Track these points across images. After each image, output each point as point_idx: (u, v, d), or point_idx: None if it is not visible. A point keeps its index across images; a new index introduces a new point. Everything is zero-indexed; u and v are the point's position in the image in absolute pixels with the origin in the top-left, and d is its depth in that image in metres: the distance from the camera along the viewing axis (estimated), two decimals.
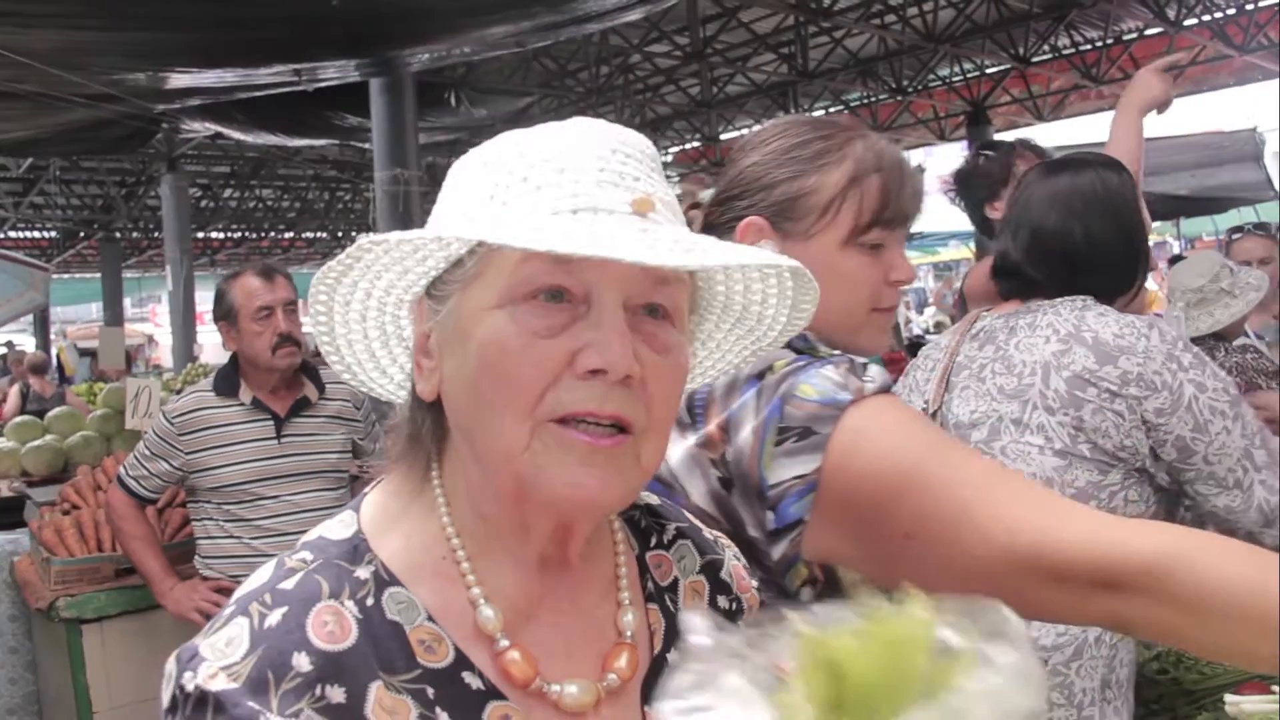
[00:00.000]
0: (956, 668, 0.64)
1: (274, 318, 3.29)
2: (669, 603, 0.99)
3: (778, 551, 1.23)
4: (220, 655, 0.76)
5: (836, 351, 1.31)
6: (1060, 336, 1.98)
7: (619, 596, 0.94)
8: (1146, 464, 1.95)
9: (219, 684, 0.74)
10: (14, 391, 10.43)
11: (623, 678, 0.89)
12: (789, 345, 1.31)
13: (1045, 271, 2.10)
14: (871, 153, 1.44)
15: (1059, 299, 2.06)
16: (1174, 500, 2.04)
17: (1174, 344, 1.92)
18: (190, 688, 0.75)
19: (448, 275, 0.87)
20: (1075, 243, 2.07)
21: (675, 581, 1.01)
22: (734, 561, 1.07)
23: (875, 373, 1.25)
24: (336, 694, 0.76)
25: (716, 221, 1.49)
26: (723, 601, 1.03)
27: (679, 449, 1.28)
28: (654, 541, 1.02)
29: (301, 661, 0.76)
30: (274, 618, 0.78)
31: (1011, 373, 2.02)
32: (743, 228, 1.44)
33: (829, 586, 1.29)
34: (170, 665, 0.78)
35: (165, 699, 0.78)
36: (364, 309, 0.92)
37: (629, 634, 0.92)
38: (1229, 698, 2.06)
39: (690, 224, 1.46)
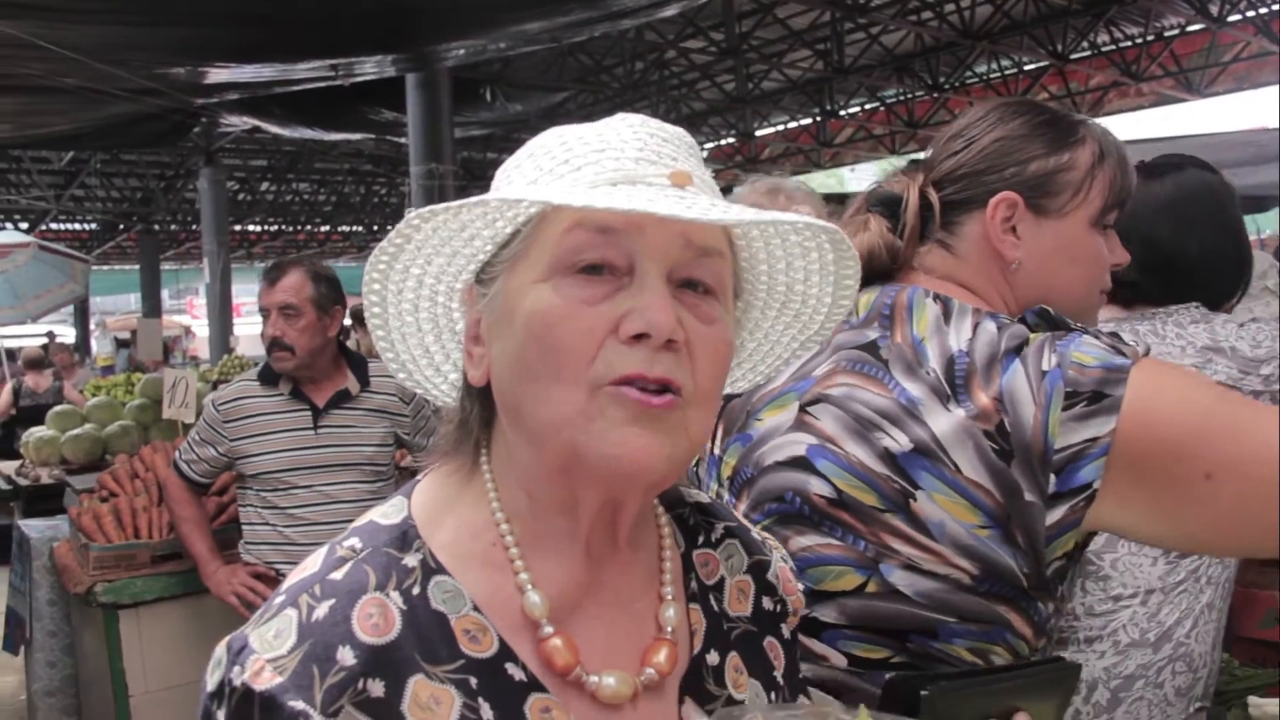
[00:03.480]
0: None
1: (269, 320, 3.33)
2: (713, 602, 0.98)
3: (1054, 516, 1.22)
4: (268, 647, 0.77)
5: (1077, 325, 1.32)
6: (1197, 349, 1.94)
7: (662, 591, 0.94)
8: None
9: (265, 681, 0.75)
10: (7, 389, 10.35)
11: (661, 673, 0.88)
12: (1022, 320, 1.32)
13: (1159, 281, 2.03)
14: (1106, 136, 1.45)
15: (1172, 305, 2.02)
16: None
17: None
18: (238, 683, 0.76)
19: (495, 259, 0.88)
20: (1190, 255, 2.01)
21: (721, 580, 1.00)
22: (781, 563, 1.07)
23: (1134, 340, 1.26)
24: (376, 688, 0.77)
25: (954, 198, 1.45)
26: (768, 603, 1.03)
27: (946, 421, 1.25)
28: (701, 540, 1.02)
29: (346, 655, 0.77)
30: (321, 610, 0.79)
31: None
32: (995, 203, 1.41)
33: (1070, 565, 1.30)
34: (220, 651, 0.79)
35: (211, 683, 0.78)
36: (416, 298, 0.93)
37: (669, 630, 0.91)
38: (1253, 700, 2.05)
39: (902, 209, 1.45)
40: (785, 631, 1.04)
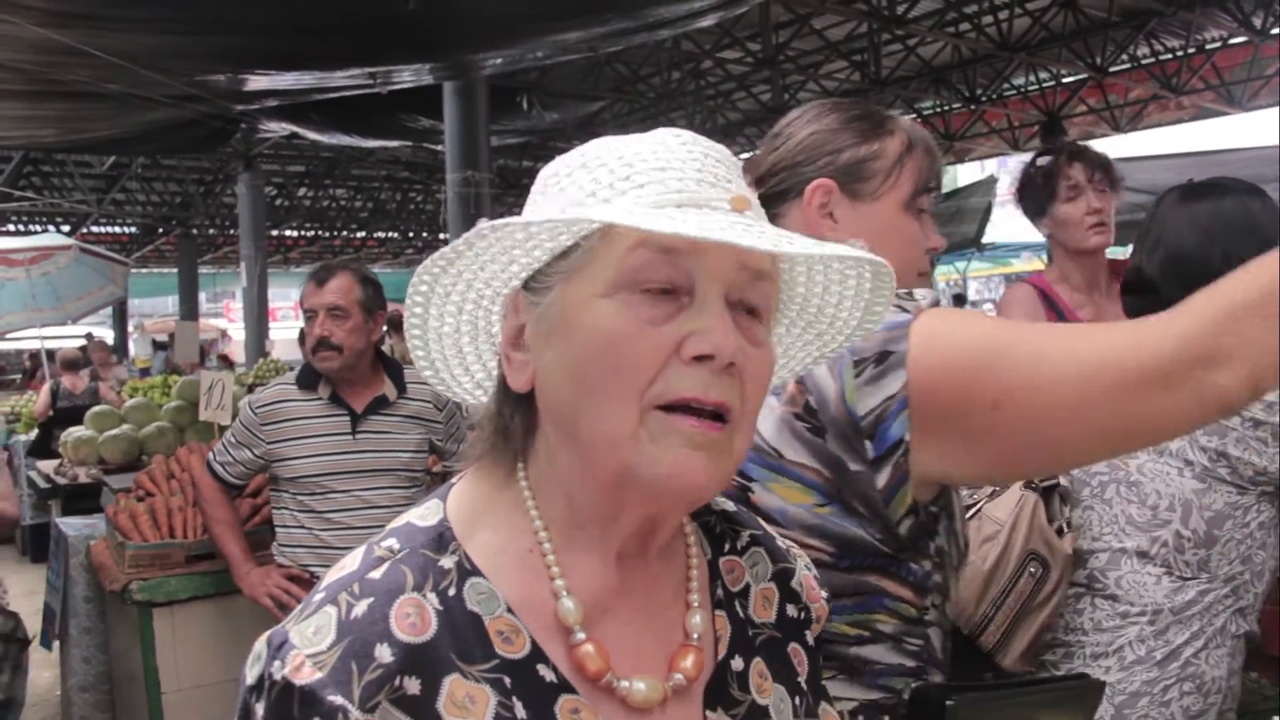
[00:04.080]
0: None
1: (315, 321, 3.36)
2: (738, 609, 1.00)
3: (882, 479, 1.28)
4: (308, 642, 0.79)
5: None
6: None
7: (689, 598, 0.96)
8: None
9: (305, 676, 0.77)
10: (45, 390, 10.51)
11: (688, 678, 0.90)
12: None
13: (1182, 292, 2.08)
14: (912, 127, 1.58)
15: None
16: None
17: None
18: (278, 677, 0.78)
19: (549, 268, 0.88)
20: (1216, 267, 2.06)
21: (747, 587, 1.02)
22: (805, 571, 1.08)
23: (922, 293, 1.33)
24: (413, 685, 0.79)
25: (777, 189, 1.54)
26: (791, 610, 1.04)
27: (767, 417, 1.32)
28: (727, 547, 1.03)
29: (383, 653, 0.79)
30: (360, 608, 0.81)
31: None
32: (812, 189, 1.50)
33: (929, 519, 1.34)
34: (260, 646, 0.81)
35: (250, 677, 0.80)
36: (462, 300, 0.94)
37: (696, 636, 0.93)
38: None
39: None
40: (809, 638, 1.05)
